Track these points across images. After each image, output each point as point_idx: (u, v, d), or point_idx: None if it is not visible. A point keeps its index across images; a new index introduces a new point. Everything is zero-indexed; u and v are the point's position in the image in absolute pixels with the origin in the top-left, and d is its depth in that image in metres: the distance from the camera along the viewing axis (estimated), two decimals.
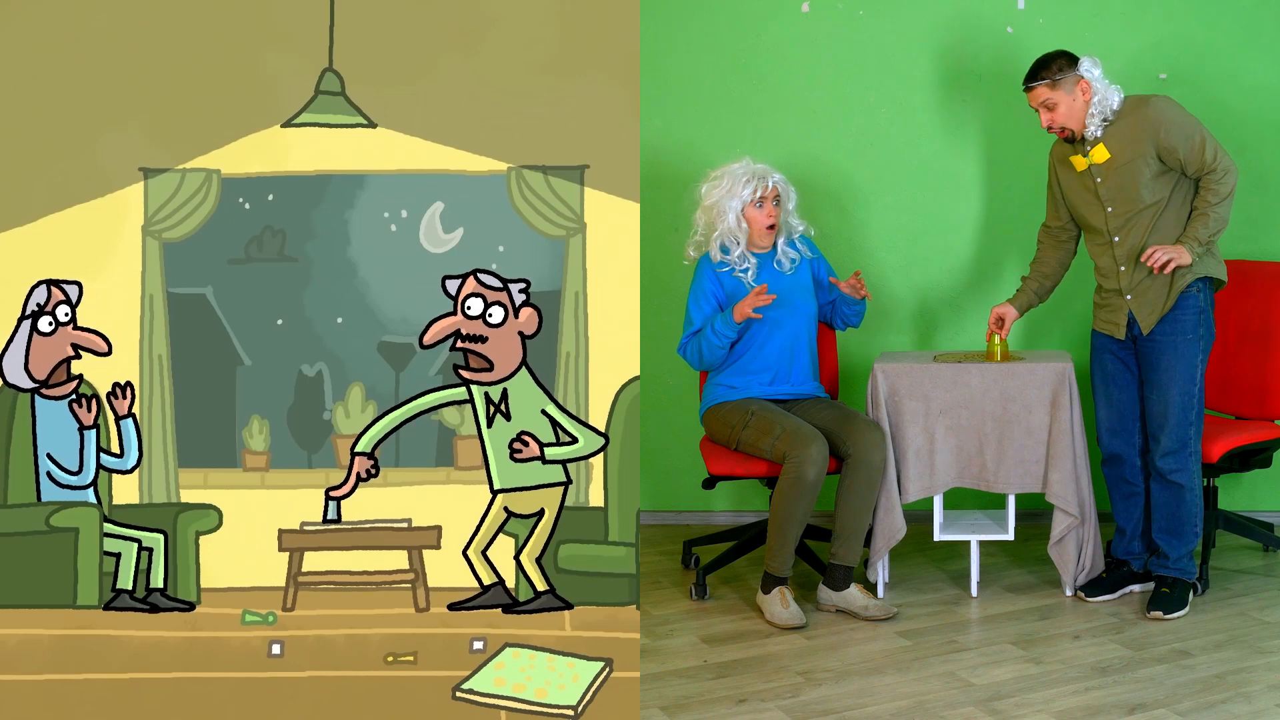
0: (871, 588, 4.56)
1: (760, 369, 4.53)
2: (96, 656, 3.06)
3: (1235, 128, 5.14)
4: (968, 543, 4.76)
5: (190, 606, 3.08)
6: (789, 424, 4.33)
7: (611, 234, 3.10)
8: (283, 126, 3.07)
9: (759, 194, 4.47)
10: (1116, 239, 4.30)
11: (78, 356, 3.07)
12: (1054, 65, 4.25)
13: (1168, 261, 4.14)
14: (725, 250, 4.52)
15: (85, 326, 3.06)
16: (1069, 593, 4.50)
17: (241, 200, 3.08)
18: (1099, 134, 4.26)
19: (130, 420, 3.07)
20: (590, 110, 3.08)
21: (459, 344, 3.08)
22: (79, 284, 3.06)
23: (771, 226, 4.51)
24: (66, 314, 3.05)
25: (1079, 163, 4.32)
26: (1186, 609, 4.28)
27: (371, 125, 3.08)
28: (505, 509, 3.11)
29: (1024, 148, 5.18)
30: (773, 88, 5.24)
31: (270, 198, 3.08)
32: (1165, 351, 4.27)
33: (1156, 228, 4.25)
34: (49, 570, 3.07)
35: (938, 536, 4.60)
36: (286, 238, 3.09)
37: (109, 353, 3.07)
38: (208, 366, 3.10)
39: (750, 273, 4.51)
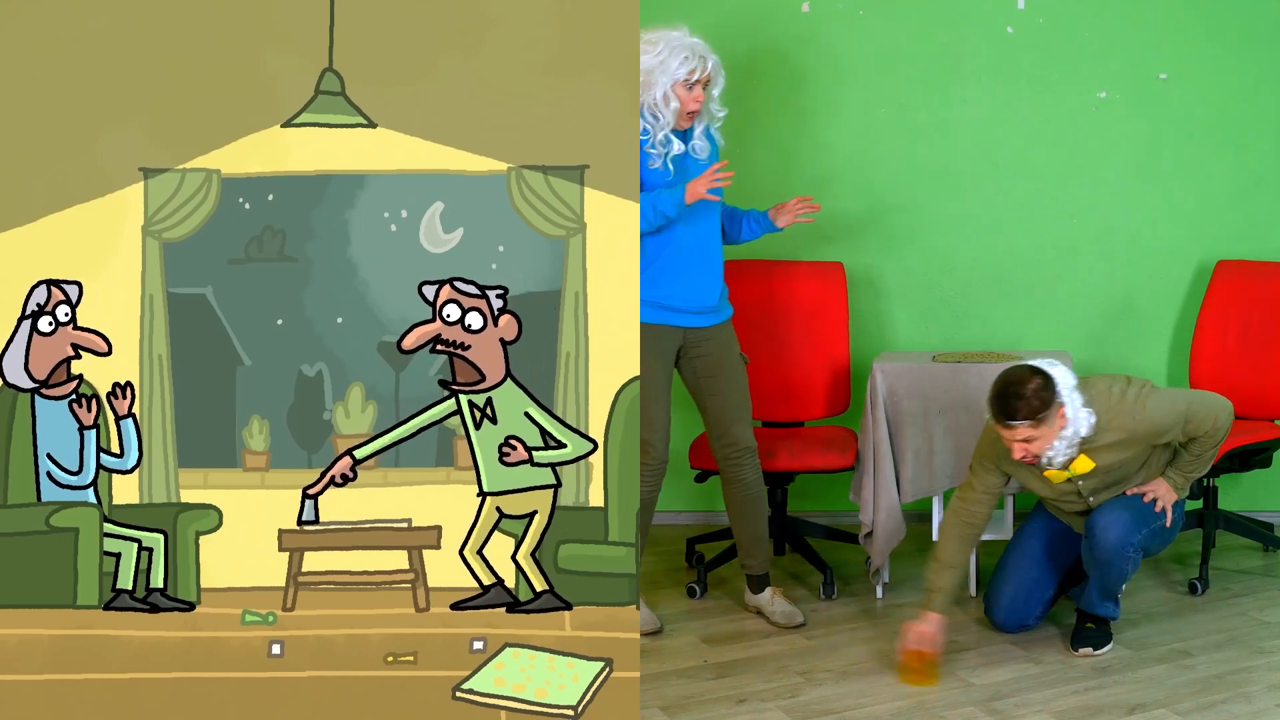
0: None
1: (678, 275, 4.12)
2: (96, 656, 3.06)
3: (1235, 128, 5.14)
4: None
5: (190, 606, 3.08)
6: (655, 414, 4.11)
7: (611, 234, 3.10)
8: (283, 126, 3.07)
9: (695, 75, 4.02)
10: (1091, 499, 3.99)
11: (78, 356, 3.06)
12: (1034, 398, 3.65)
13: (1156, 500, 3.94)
14: (649, 119, 4.04)
15: (85, 326, 3.06)
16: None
17: (241, 200, 3.08)
18: (1073, 454, 3.78)
19: (130, 420, 3.07)
20: (590, 110, 3.08)
21: (438, 348, 3.08)
22: (79, 284, 3.06)
23: (693, 113, 4.07)
24: (66, 314, 3.05)
25: (1056, 475, 3.86)
26: (1112, 643, 4.06)
27: (371, 125, 3.08)
28: (498, 509, 3.11)
29: (1024, 147, 5.18)
30: (773, 88, 5.23)
31: (270, 198, 3.08)
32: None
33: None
34: (49, 570, 3.07)
35: (937, 536, 4.60)
36: (286, 238, 3.09)
37: (109, 352, 3.07)
38: (208, 366, 3.10)
39: (671, 153, 4.07)
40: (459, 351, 3.06)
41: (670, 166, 4.07)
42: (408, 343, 3.06)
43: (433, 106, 3.07)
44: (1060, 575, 4.17)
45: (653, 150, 4.06)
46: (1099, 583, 3.97)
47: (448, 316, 3.05)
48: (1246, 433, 4.60)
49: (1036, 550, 4.15)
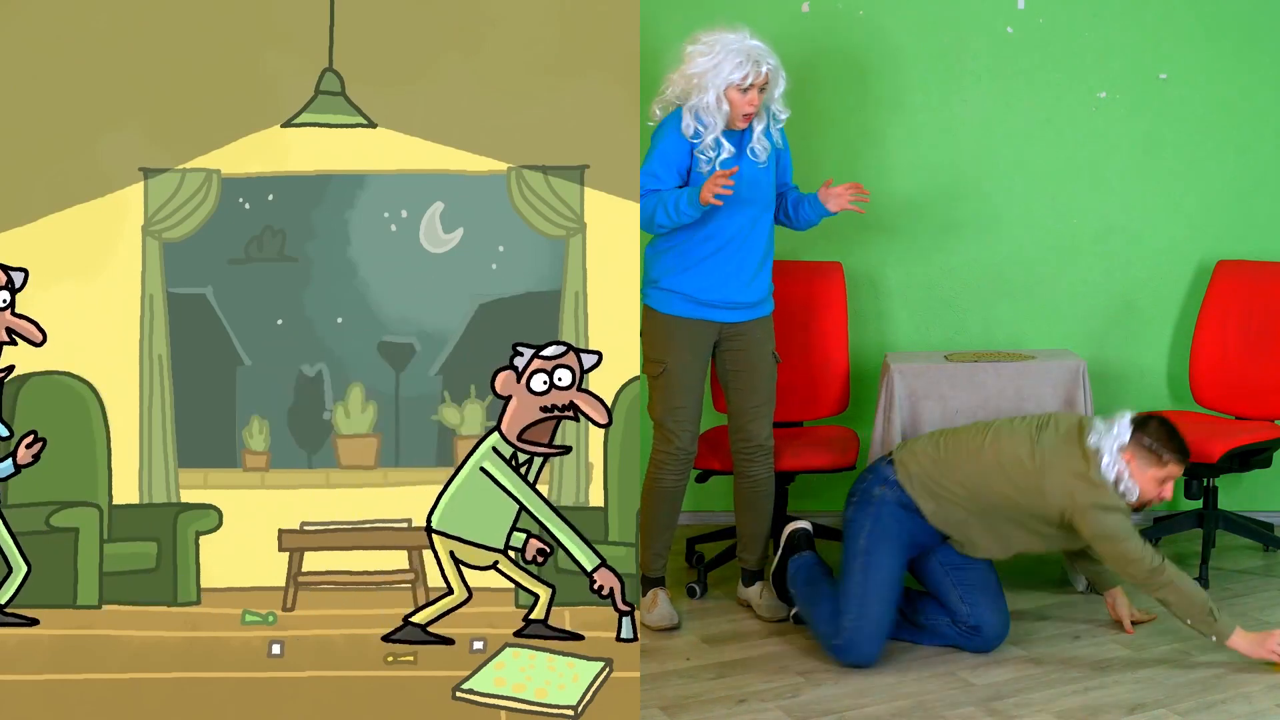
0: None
1: (718, 272, 4.15)
2: (96, 656, 3.06)
3: (1235, 127, 5.14)
4: None
5: (33, 622, 3.06)
6: (680, 404, 4.16)
7: (611, 234, 3.10)
8: (283, 126, 3.07)
9: (749, 80, 4.03)
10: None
11: (12, 343, 3.04)
12: None
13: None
14: (700, 122, 4.06)
15: (23, 314, 3.03)
16: (1081, 589, 4.50)
17: (241, 200, 3.08)
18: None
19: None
20: (590, 110, 3.08)
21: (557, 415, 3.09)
22: (25, 271, 3.04)
23: (749, 115, 4.09)
24: (5, 300, 3.02)
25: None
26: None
27: (371, 125, 3.08)
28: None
29: (1024, 147, 5.18)
30: None
31: (270, 198, 3.08)
32: None
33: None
34: (49, 570, 3.07)
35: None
36: (286, 238, 3.09)
37: (43, 343, 3.04)
38: (208, 366, 3.10)
39: (720, 157, 4.07)
40: (568, 414, 3.08)
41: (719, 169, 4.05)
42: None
43: (433, 106, 3.07)
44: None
45: (702, 155, 4.07)
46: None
47: (559, 381, 3.06)
48: (1246, 433, 4.60)
49: (893, 584, 3.98)
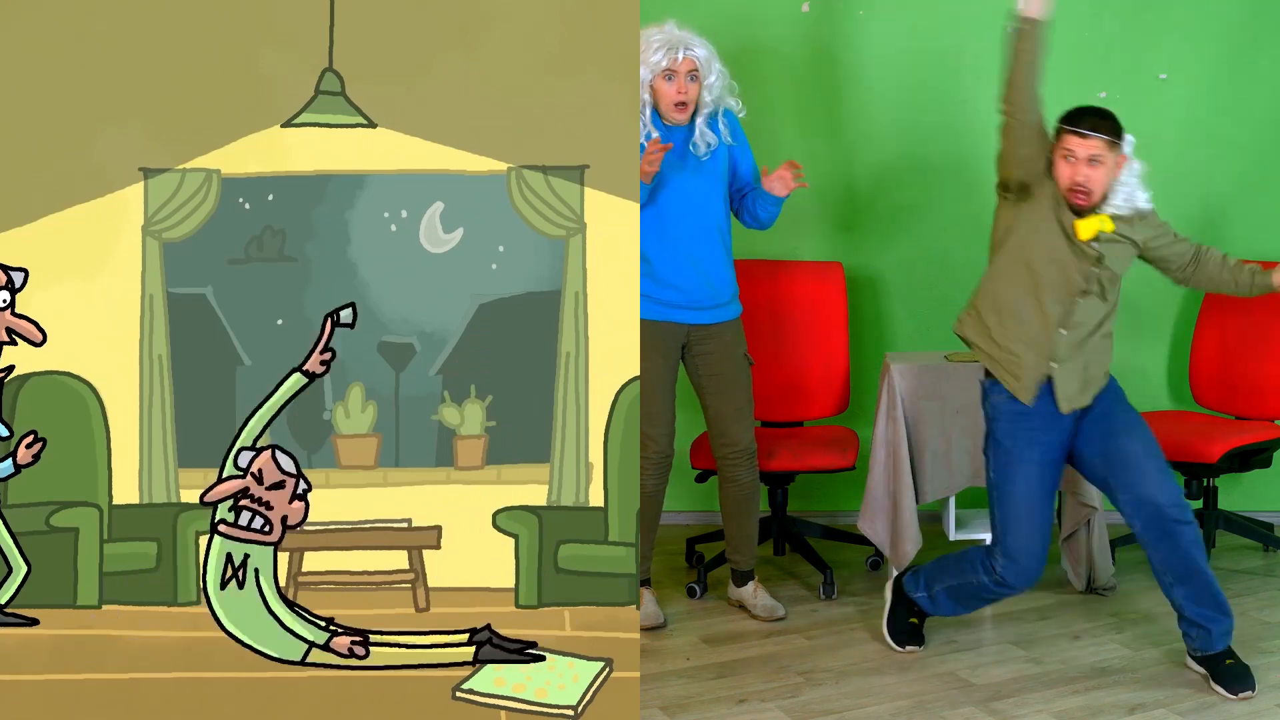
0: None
1: (670, 278, 4.15)
2: (96, 656, 3.06)
3: (1235, 127, 5.14)
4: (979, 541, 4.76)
5: (33, 622, 3.06)
6: (655, 409, 4.15)
7: (611, 234, 3.10)
8: (283, 126, 3.07)
9: (666, 65, 4.03)
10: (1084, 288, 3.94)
11: (12, 343, 3.04)
12: (1113, 121, 3.88)
13: None
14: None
15: (23, 314, 3.03)
16: (1080, 589, 4.50)
17: (241, 200, 3.08)
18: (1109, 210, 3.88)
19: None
20: (590, 110, 3.08)
21: (242, 503, 3.06)
22: (25, 270, 3.03)
23: (681, 104, 4.08)
24: (5, 300, 3.02)
25: (1085, 226, 3.88)
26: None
27: (371, 125, 3.08)
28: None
29: None
30: (772, 88, 5.24)
31: (270, 198, 3.08)
32: (1119, 400, 4.00)
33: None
34: (49, 570, 3.07)
35: (953, 536, 4.59)
36: (286, 238, 3.09)
37: (43, 343, 3.04)
38: (208, 366, 3.10)
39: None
40: (261, 509, 3.05)
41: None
42: (210, 495, 3.05)
43: (433, 106, 3.07)
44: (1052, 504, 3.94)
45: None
46: (1193, 582, 3.73)
47: (262, 476, 3.06)
48: (1247, 432, 4.60)
49: (1038, 490, 3.82)
